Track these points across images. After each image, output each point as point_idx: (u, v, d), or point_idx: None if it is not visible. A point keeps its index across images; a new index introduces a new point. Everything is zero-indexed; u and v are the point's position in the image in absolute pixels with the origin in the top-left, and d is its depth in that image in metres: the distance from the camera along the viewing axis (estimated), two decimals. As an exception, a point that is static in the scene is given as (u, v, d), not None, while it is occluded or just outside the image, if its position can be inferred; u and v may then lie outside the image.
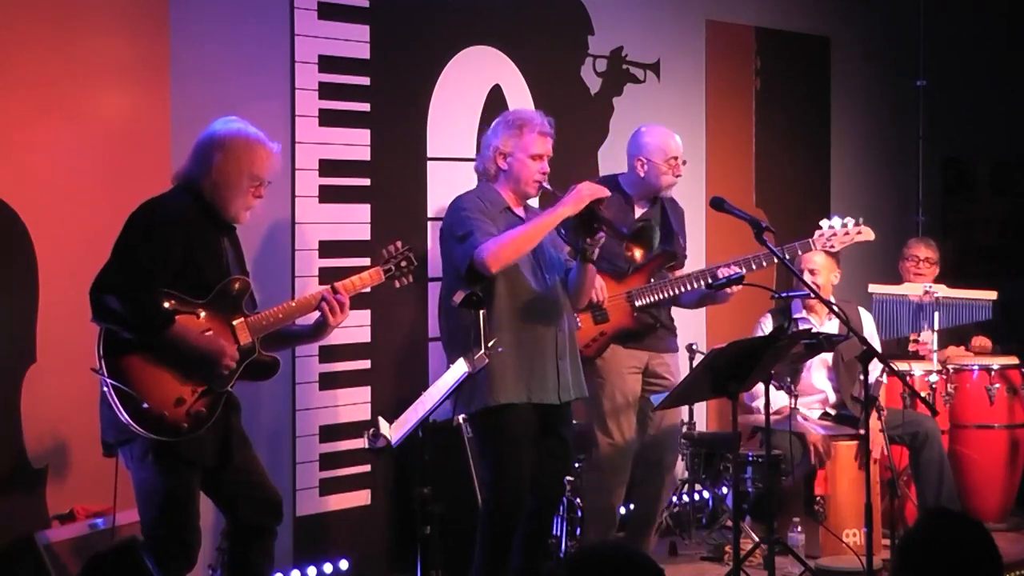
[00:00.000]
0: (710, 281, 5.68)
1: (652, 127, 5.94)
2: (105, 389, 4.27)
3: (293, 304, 4.61)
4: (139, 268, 4.28)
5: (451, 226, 5.18)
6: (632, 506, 6.16)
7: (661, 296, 5.75)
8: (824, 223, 5.91)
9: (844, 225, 5.89)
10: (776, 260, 5.57)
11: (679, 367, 6.01)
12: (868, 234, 5.93)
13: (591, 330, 5.73)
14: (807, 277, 6.21)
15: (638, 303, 5.74)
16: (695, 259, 6.89)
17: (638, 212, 5.86)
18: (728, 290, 5.63)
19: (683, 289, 5.77)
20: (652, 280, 5.78)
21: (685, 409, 6.61)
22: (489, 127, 5.36)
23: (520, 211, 5.25)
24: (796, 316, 6.46)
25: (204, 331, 4.37)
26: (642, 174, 5.85)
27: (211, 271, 4.44)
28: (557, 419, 5.25)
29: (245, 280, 4.53)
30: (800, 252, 5.91)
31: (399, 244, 4.85)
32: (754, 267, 5.74)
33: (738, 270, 5.64)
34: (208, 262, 4.44)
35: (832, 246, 5.92)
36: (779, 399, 6.30)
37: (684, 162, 5.90)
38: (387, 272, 4.81)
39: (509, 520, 5.15)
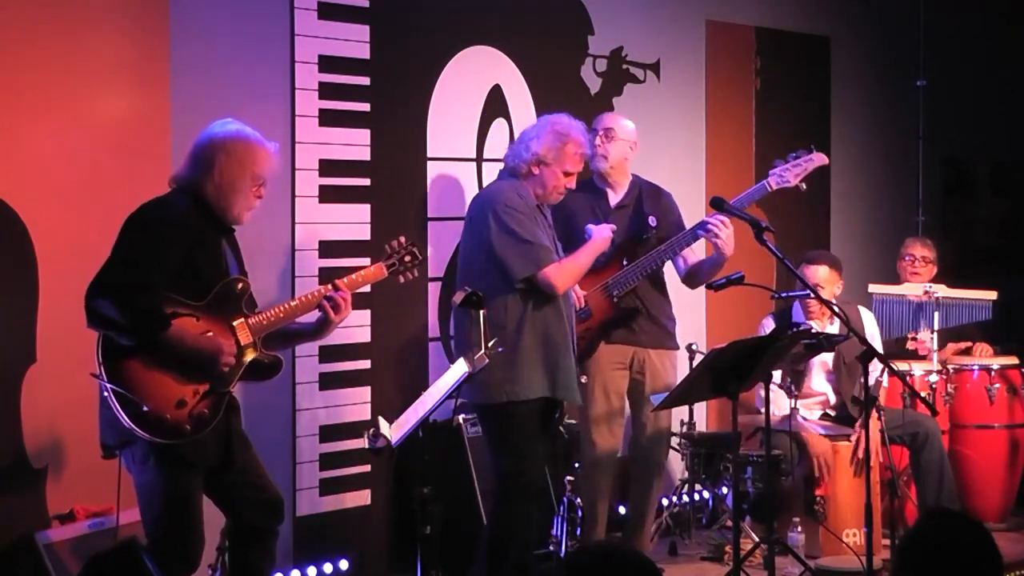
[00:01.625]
0: (677, 250, 5.74)
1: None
2: (105, 394, 4.26)
3: (294, 303, 4.59)
4: (136, 272, 4.26)
5: (504, 224, 5.15)
6: (627, 506, 6.16)
7: (635, 278, 5.74)
8: (777, 162, 5.84)
9: (796, 157, 5.84)
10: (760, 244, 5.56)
11: (673, 365, 5.99)
12: (821, 159, 5.85)
13: (576, 329, 5.75)
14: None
15: (616, 292, 5.75)
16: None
17: (613, 202, 5.89)
18: (717, 239, 5.60)
19: (653, 266, 5.75)
20: (625, 264, 5.77)
21: (685, 409, 6.61)
22: (535, 124, 5.42)
23: (546, 209, 5.34)
24: (796, 321, 6.42)
25: (203, 332, 4.36)
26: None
27: (211, 273, 4.42)
28: (558, 416, 5.30)
29: (245, 281, 4.51)
30: (756, 197, 5.81)
31: (403, 239, 4.83)
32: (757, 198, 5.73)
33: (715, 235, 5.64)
34: (208, 264, 4.43)
35: (787, 181, 5.80)
36: (782, 404, 6.29)
37: (610, 138, 5.89)
38: (390, 267, 4.78)
39: (530, 505, 5.19)
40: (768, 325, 6.51)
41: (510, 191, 5.23)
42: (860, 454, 6.22)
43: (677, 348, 6.06)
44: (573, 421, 6.37)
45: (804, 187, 5.86)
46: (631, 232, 5.83)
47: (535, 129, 5.35)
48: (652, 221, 5.82)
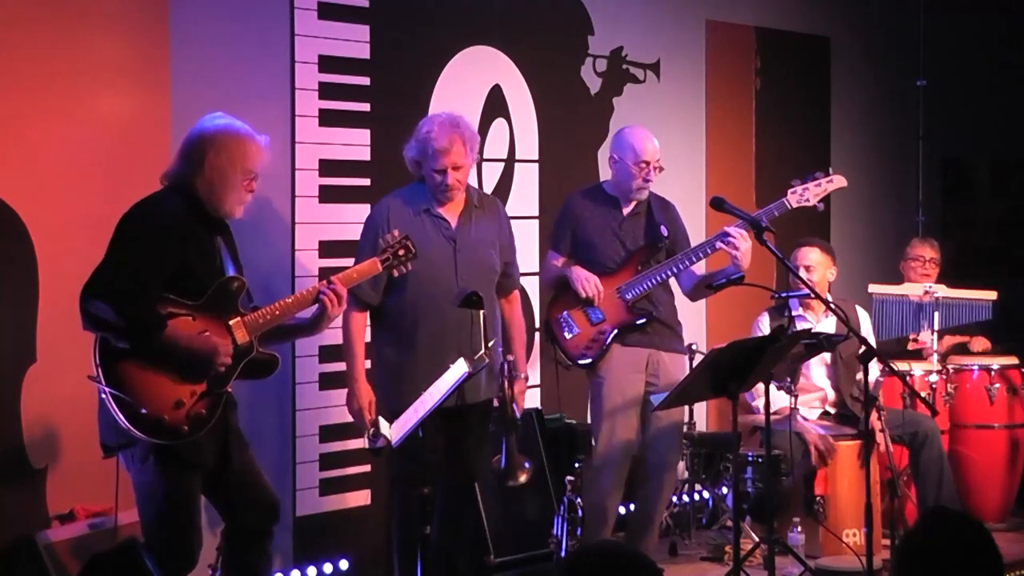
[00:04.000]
0: (694, 260, 5.72)
1: (634, 128, 5.88)
2: (103, 396, 4.26)
3: (289, 300, 4.58)
4: (131, 273, 4.25)
5: (361, 235, 5.29)
6: (632, 506, 6.15)
7: (650, 284, 5.74)
8: (791, 188, 5.84)
9: (815, 178, 5.85)
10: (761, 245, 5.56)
11: (683, 368, 5.97)
12: (840, 181, 5.86)
13: (589, 331, 5.73)
14: (802, 273, 6.20)
15: (629, 296, 5.74)
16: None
17: (626, 211, 5.85)
18: (735, 252, 5.61)
19: (671, 272, 5.74)
20: (640, 270, 5.77)
21: (685, 409, 6.61)
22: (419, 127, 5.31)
23: (443, 208, 5.26)
24: (793, 314, 6.43)
25: (200, 332, 4.35)
26: (612, 171, 5.84)
27: (206, 272, 4.42)
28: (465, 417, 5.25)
29: (240, 279, 4.51)
30: (776, 213, 5.76)
31: (396, 233, 4.83)
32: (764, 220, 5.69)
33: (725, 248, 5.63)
34: (202, 263, 4.42)
35: (808, 200, 5.79)
36: (779, 399, 6.30)
37: (659, 168, 5.79)
38: (384, 262, 4.78)
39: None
40: (763, 321, 6.52)
41: (378, 207, 5.31)
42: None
43: (685, 352, 6.05)
44: (573, 421, 6.38)
45: (822, 207, 5.88)
46: (646, 240, 5.81)
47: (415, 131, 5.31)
48: (664, 231, 5.81)
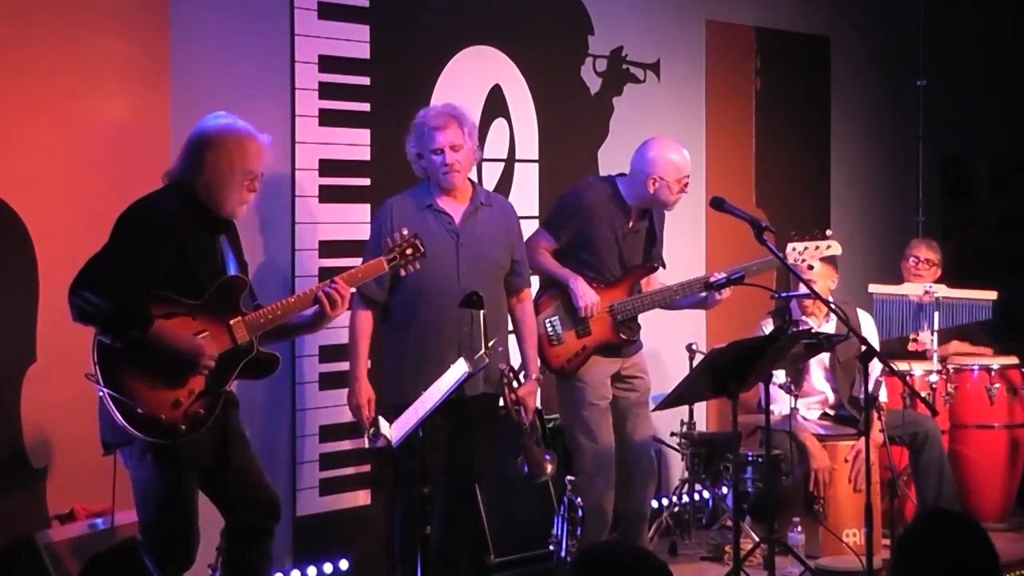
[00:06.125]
0: (680, 300, 5.78)
1: (664, 143, 5.82)
2: (101, 394, 4.26)
3: (291, 300, 4.58)
4: (123, 267, 4.25)
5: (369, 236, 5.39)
6: (620, 505, 6.14)
7: (644, 310, 5.78)
8: (789, 246, 5.84)
9: (813, 237, 5.86)
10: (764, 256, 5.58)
11: (643, 357, 5.99)
12: (836, 248, 5.92)
13: (574, 344, 5.74)
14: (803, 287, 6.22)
15: (620, 317, 5.75)
16: (695, 260, 6.90)
17: (630, 224, 5.81)
18: (718, 295, 5.66)
19: (664, 306, 5.82)
20: (633, 292, 5.78)
21: (685, 409, 6.61)
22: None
23: (447, 204, 5.29)
24: (795, 319, 6.44)
25: (198, 332, 4.35)
26: (652, 191, 5.77)
27: (206, 272, 4.42)
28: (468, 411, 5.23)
29: (242, 278, 4.50)
30: (772, 267, 5.85)
31: (404, 231, 4.81)
32: (753, 270, 5.74)
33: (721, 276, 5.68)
34: (202, 263, 4.42)
35: (804, 261, 5.83)
36: (782, 405, 6.30)
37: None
38: (391, 261, 4.76)
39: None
40: (767, 325, 6.52)
41: (383, 207, 5.34)
42: (860, 480, 6.18)
43: (642, 347, 6.02)
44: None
45: (814, 268, 5.88)
46: (643, 260, 5.83)
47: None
48: (663, 259, 5.87)
